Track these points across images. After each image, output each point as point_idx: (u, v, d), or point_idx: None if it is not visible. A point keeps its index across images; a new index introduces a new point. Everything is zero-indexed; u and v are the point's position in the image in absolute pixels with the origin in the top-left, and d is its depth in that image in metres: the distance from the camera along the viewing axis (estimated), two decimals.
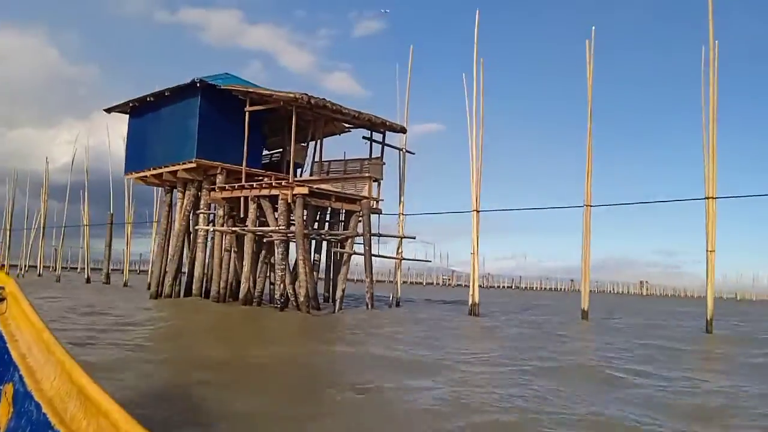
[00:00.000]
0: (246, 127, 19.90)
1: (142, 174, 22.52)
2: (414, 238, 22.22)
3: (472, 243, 20.02)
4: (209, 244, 21.18)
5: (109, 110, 23.78)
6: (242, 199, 19.73)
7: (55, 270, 44.31)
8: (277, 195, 18.63)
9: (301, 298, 17.78)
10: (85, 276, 38.43)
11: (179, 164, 20.26)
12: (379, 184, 20.94)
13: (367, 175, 20.69)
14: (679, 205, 21.73)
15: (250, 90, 19.06)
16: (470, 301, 19.89)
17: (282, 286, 18.03)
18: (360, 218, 20.07)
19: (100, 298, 22.15)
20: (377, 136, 21.45)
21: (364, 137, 21.23)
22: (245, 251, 19.45)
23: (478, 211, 20.04)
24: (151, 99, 21.36)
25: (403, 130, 21.18)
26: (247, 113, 19.98)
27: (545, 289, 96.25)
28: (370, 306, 19.23)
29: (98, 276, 37.92)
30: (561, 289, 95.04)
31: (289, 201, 18.29)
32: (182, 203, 21.77)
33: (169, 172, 20.97)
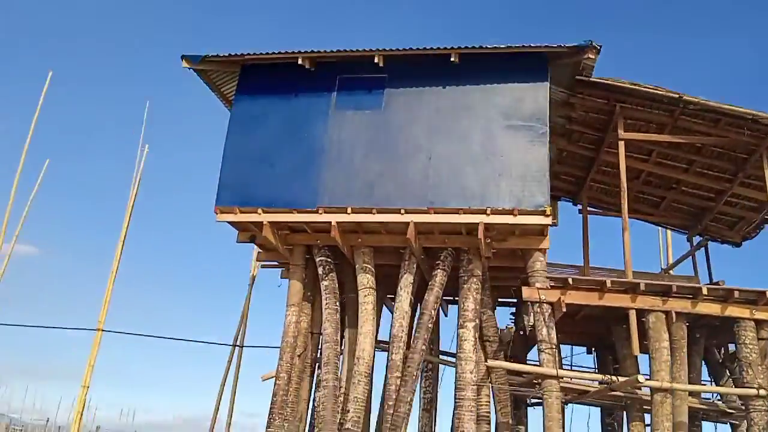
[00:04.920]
0: (622, 174, 9.92)
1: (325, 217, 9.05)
2: None
3: None
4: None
5: (192, 62, 10.00)
6: (632, 313, 9.15)
7: None
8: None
9: None
10: None
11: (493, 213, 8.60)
12: None
13: None
14: None
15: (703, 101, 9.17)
16: None
17: None
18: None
19: None
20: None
21: (699, 241, 12.56)
22: None
23: None
24: (406, 56, 9.19)
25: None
26: (621, 145, 10.11)
27: None
28: None
29: None
30: None
31: None
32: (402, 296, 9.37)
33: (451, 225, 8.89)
